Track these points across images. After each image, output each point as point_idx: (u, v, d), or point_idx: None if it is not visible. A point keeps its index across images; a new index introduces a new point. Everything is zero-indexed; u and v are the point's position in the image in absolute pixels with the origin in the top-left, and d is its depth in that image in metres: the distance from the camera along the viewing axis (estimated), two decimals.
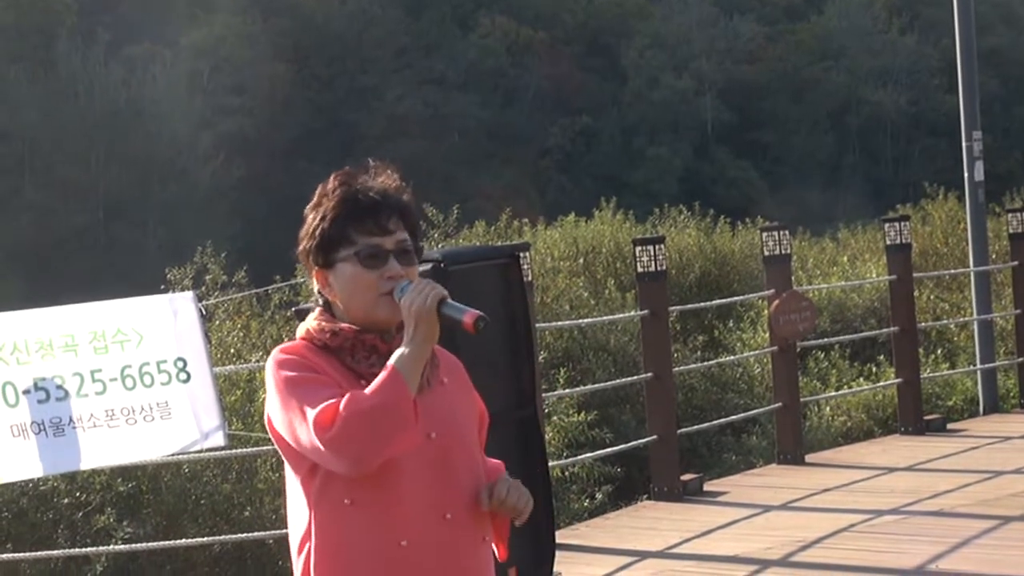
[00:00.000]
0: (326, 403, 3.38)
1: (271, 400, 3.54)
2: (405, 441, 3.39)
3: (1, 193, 69.39)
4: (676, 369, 12.46)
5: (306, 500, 3.55)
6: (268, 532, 10.27)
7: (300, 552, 3.56)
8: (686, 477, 11.23)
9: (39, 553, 10.07)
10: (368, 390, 3.38)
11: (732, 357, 16.14)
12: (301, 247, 3.65)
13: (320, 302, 3.68)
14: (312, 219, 3.62)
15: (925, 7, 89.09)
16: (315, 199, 3.64)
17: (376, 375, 3.42)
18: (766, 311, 12.97)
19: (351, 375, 3.53)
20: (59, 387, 6.87)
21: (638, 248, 11.23)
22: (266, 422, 3.61)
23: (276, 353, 3.59)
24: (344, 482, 3.45)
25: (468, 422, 3.66)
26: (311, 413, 3.39)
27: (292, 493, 3.61)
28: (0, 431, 6.70)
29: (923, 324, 16.04)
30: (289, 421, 3.47)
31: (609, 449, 12.28)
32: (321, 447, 3.37)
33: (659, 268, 11.09)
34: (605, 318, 15.89)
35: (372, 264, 3.55)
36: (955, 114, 16.30)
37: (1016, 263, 14.76)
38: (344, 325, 3.59)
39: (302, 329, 3.66)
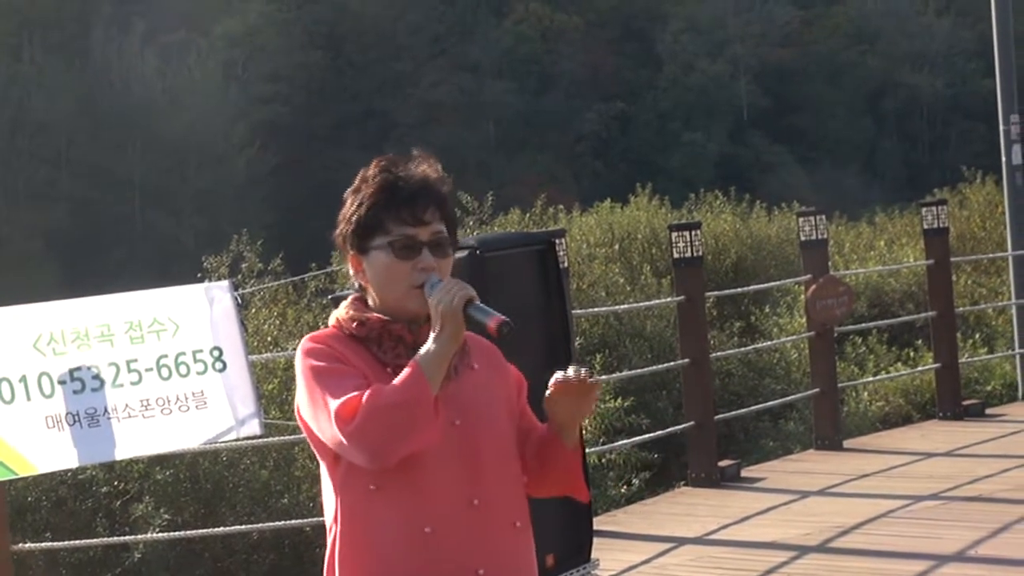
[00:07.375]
0: (349, 395, 3.37)
1: (299, 388, 3.55)
2: (424, 438, 3.38)
3: (38, 183, 69.78)
4: (713, 355, 12.42)
5: (332, 486, 3.55)
6: (305, 520, 10.29)
7: (328, 536, 3.58)
8: (723, 463, 11.19)
9: (78, 542, 10.11)
10: (390, 386, 3.36)
11: (769, 343, 16.08)
12: (338, 231, 3.62)
13: (357, 288, 3.67)
14: (350, 204, 3.60)
15: None
16: (355, 183, 3.61)
17: (402, 366, 3.40)
18: (803, 296, 12.91)
19: (378, 364, 3.52)
20: (95, 377, 6.85)
21: (674, 234, 11.20)
22: (295, 410, 3.61)
23: (304, 342, 3.58)
24: (369, 469, 3.44)
25: (498, 406, 3.64)
26: (333, 404, 3.38)
27: (324, 479, 3.62)
28: (35, 422, 6.70)
29: (961, 308, 15.94)
30: (314, 410, 3.47)
31: (646, 435, 12.24)
32: (342, 439, 3.37)
33: (695, 254, 11.06)
34: (641, 304, 15.85)
35: (405, 255, 3.53)
36: (992, 97, 16.21)
37: None
38: (372, 315, 3.58)
39: (333, 317, 3.66)
